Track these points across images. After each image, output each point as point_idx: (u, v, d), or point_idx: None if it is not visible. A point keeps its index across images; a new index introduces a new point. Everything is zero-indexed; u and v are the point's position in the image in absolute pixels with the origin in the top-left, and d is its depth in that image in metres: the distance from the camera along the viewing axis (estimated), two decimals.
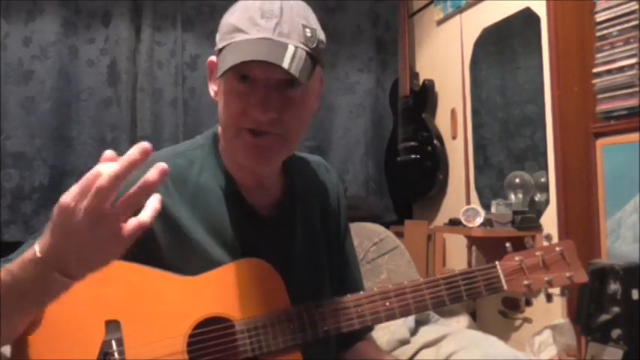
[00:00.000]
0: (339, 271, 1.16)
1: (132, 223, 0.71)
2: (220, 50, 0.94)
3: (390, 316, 0.98)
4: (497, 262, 1.02)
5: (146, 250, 0.96)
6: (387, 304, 0.98)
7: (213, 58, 1.01)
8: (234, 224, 1.01)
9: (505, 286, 1.00)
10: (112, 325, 0.92)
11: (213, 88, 1.02)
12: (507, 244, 1.03)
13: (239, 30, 0.92)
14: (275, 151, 0.96)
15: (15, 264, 0.75)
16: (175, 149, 1.06)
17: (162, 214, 0.96)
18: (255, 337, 0.94)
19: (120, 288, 0.94)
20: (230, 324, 0.95)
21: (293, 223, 1.08)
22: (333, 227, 1.16)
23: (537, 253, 1.02)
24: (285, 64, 0.87)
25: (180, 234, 0.98)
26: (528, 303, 1.06)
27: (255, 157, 0.96)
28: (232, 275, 0.97)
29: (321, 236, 1.12)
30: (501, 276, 1.00)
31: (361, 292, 0.99)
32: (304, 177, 1.13)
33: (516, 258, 1.02)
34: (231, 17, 0.95)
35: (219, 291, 0.96)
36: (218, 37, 0.97)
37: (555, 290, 1.05)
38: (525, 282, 1.01)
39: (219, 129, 1.04)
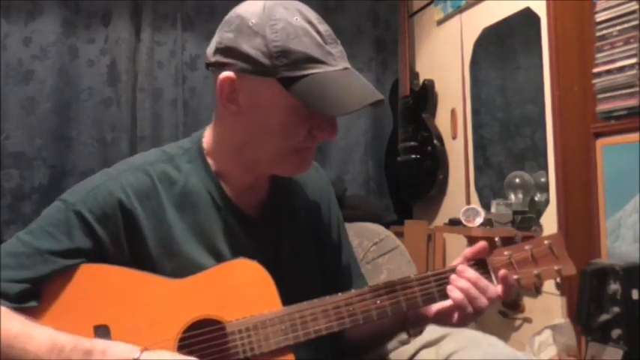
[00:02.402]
0: (335, 270, 1.16)
1: None
2: (291, 79, 0.91)
3: (382, 314, 0.98)
4: (486, 258, 1.01)
5: (139, 253, 0.97)
6: (378, 301, 0.98)
7: (229, 74, 0.94)
8: (223, 226, 1.01)
9: (495, 282, 1.00)
10: (101, 331, 0.91)
11: (231, 108, 0.96)
12: (496, 239, 1.03)
13: (315, 60, 0.92)
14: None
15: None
16: (164, 153, 1.05)
17: (152, 217, 0.97)
18: (246, 339, 0.94)
19: (108, 292, 0.94)
20: (221, 326, 0.94)
21: (280, 222, 1.08)
22: (323, 226, 1.16)
23: (526, 247, 1.01)
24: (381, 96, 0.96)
25: (168, 236, 0.98)
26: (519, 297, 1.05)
27: (304, 168, 1.03)
28: (222, 276, 0.97)
29: (310, 235, 1.12)
30: (491, 271, 1.00)
31: (352, 291, 0.99)
32: (291, 177, 1.13)
33: (505, 252, 1.02)
34: (292, 42, 0.91)
35: (210, 292, 0.96)
36: (273, 61, 0.90)
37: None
38: (515, 276, 1.00)
39: (207, 134, 1.06)
